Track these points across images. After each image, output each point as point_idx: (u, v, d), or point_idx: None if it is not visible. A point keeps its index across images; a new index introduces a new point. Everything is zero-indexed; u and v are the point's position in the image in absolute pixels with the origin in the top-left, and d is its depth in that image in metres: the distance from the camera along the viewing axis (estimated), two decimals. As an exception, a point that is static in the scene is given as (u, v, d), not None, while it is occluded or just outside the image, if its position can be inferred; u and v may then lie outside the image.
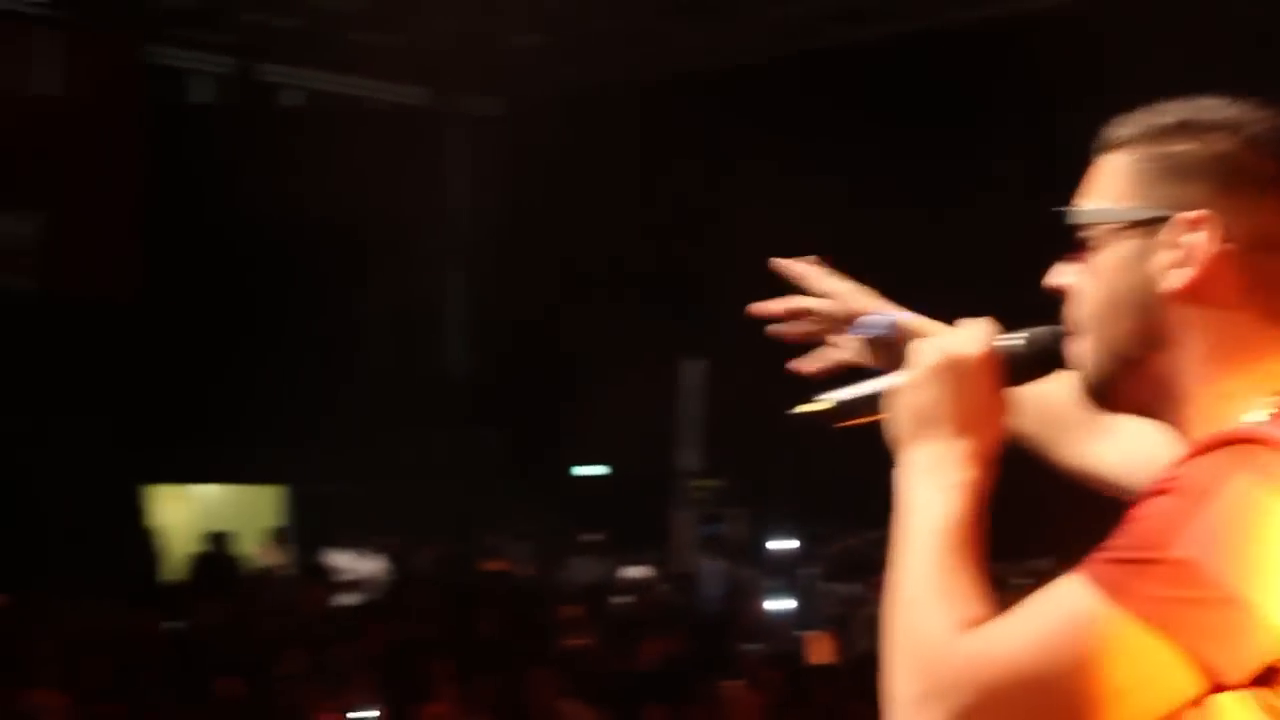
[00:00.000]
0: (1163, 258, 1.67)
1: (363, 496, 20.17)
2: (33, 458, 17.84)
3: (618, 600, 14.75)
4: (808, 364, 2.25)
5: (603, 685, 9.74)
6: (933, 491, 1.69)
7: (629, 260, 18.31)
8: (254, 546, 18.29)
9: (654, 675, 10.07)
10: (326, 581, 14.50)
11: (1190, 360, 1.70)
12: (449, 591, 14.29)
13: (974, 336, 1.77)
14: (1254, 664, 1.48)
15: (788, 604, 15.50)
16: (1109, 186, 1.75)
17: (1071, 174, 1.86)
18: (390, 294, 22.11)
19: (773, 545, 17.92)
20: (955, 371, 1.74)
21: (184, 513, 19.86)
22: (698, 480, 18.51)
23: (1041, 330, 1.80)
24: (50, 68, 18.18)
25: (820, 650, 10.40)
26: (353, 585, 15.64)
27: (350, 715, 8.35)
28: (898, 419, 1.73)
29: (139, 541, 18.18)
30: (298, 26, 18.92)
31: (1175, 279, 1.65)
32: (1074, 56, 14.72)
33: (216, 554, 17.12)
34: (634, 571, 16.58)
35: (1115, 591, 1.49)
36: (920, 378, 1.74)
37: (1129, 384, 1.73)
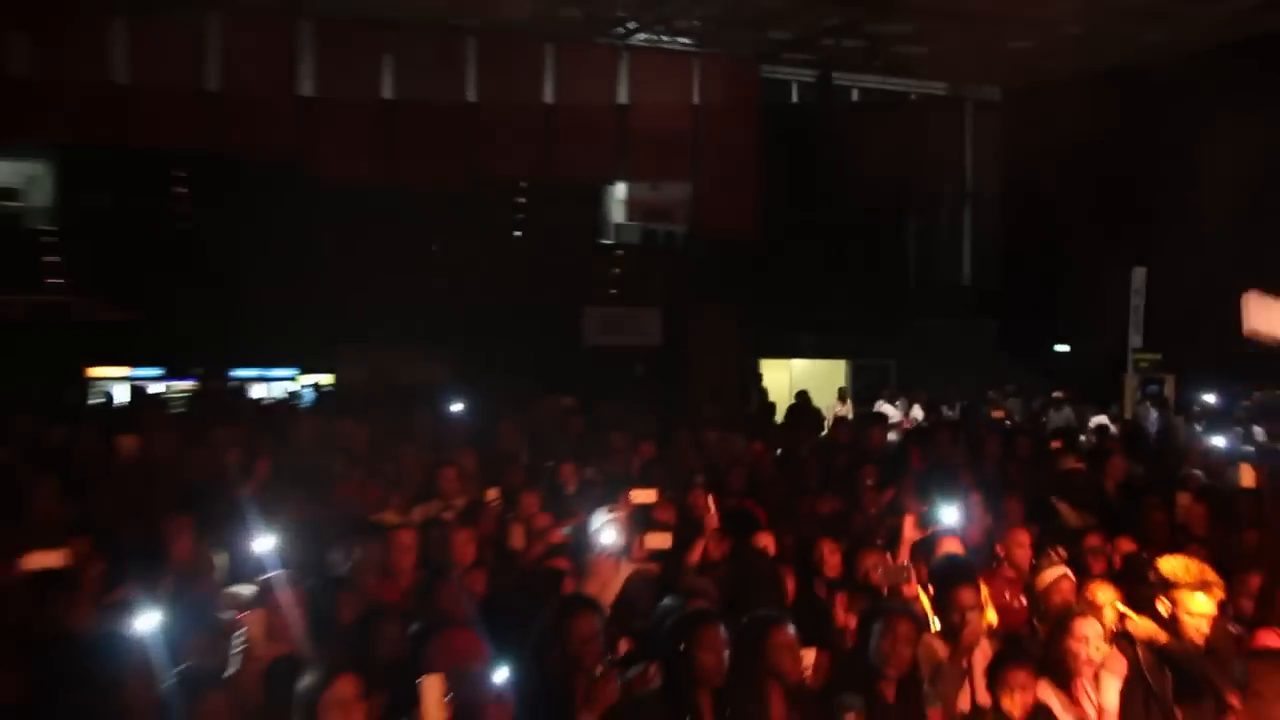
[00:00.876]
0: None
1: (901, 367, 22.12)
2: (690, 341, 20.09)
3: (1084, 438, 14.48)
4: None
5: (1086, 496, 9.40)
6: None
7: (1090, 202, 18.60)
8: (827, 400, 19.13)
9: (1117, 488, 9.79)
10: (883, 423, 14.10)
11: None
12: (965, 431, 13.53)
13: None
14: None
15: (1215, 441, 14.87)
16: None
17: None
18: (923, 225, 23.76)
19: (1201, 399, 18.29)
20: None
21: (783, 377, 21.58)
22: (1141, 354, 19.05)
23: None
24: (696, 84, 20.16)
25: (1246, 476, 9.73)
26: (897, 426, 16.16)
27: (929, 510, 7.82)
28: None
29: (754, 398, 19.55)
30: (859, 46, 20.11)
31: None
32: None
33: (803, 405, 16.92)
34: (1097, 419, 16.68)
35: None
36: None
37: None
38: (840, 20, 18.67)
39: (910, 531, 7.47)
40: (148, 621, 4.80)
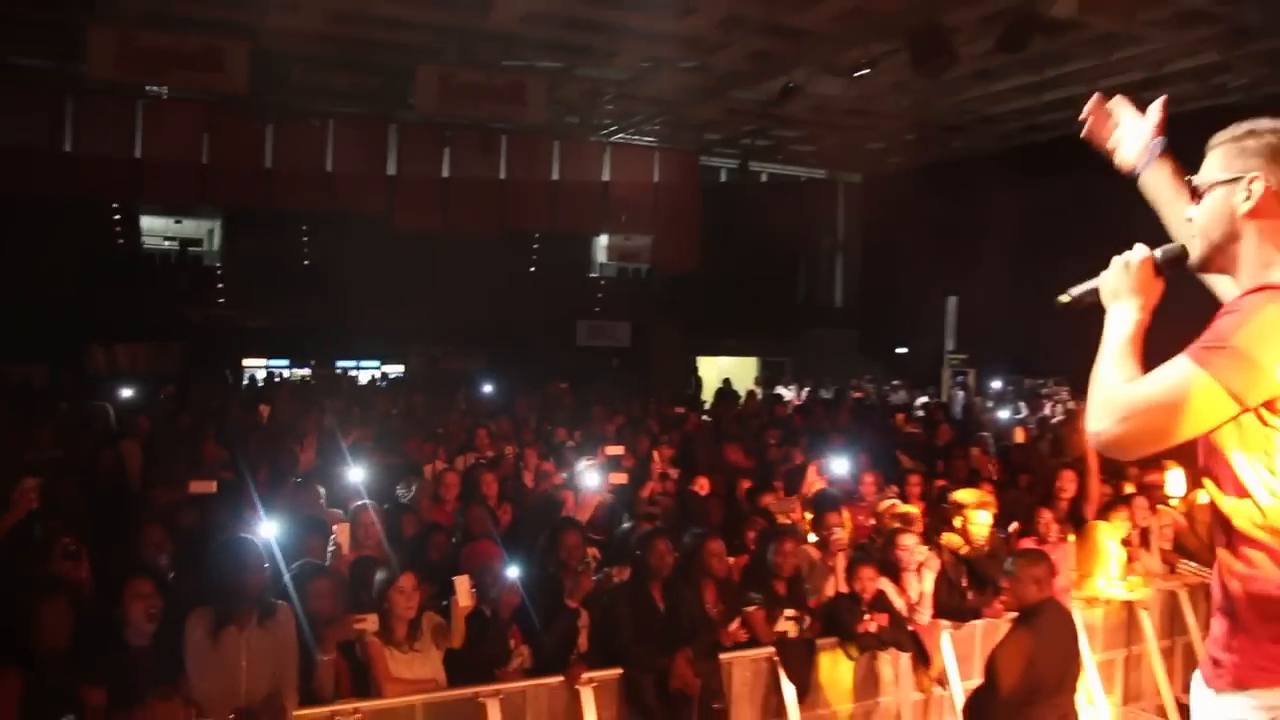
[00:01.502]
0: (1239, 196, 1.67)
1: (793, 363, 21.86)
2: (650, 344, 19.92)
3: (915, 410, 14.13)
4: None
5: (919, 449, 9.48)
6: (1119, 324, 1.67)
7: (920, 252, 17.53)
8: (744, 386, 18.25)
9: (942, 445, 9.55)
10: (783, 402, 14.29)
11: (1249, 247, 1.68)
12: (836, 406, 13.45)
13: (1139, 251, 1.73)
14: (1263, 397, 1.53)
15: (1000, 413, 15.10)
16: (1213, 164, 1.73)
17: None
18: (808, 265, 23.51)
19: (991, 385, 18.26)
20: (1130, 268, 1.71)
21: (712, 370, 21.23)
22: (953, 354, 18.98)
23: (1172, 244, 1.77)
24: (656, 168, 19.60)
25: (1019, 435, 10.00)
26: (790, 403, 15.26)
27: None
28: (1105, 295, 1.70)
29: (693, 383, 19.35)
30: (767, 144, 19.88)
31: (1244, 207, 1.67)
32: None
33: (726, 390, 16.47)
34: (923, 397, 16.75)
35: (1199, 360, 1.54)
36: (1113, 274, 1.72)
37: (1217, 260, 1.71)
38: (754, 127, 18.48)
39: (813, 476, 7.52)
40: (271, 530, 4.76)
